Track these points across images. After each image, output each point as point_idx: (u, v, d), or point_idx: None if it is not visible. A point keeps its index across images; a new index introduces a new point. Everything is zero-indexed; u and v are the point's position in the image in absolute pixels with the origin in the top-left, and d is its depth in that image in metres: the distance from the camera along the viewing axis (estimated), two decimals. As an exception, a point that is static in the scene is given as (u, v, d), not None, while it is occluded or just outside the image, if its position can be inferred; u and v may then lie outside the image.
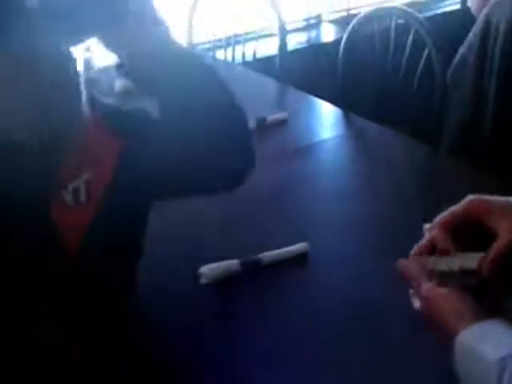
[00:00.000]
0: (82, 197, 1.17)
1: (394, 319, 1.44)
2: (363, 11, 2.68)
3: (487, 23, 2.44)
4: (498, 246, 0.88)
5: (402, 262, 0.95)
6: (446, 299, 0.87)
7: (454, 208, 0.95)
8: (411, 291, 0.94)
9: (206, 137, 1.19)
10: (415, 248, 0.98)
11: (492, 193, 0.92)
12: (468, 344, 0.81)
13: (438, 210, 1.74)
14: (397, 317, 1.43)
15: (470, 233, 0.94)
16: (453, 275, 0.90)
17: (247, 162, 1.31)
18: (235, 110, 1.25)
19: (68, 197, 1.16)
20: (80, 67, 1.13)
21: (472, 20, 2.62)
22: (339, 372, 1.32)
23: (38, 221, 1.14)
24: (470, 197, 0.94)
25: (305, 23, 3.87)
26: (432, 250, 0.95)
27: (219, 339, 1.40)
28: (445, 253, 0.93)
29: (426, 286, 0.90)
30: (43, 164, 1.10)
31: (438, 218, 0.96)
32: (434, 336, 0.89)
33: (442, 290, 0.88)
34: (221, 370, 1.33)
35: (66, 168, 1.15)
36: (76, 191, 1.16)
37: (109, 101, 1.31)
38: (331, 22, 3.94)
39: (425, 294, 0.90)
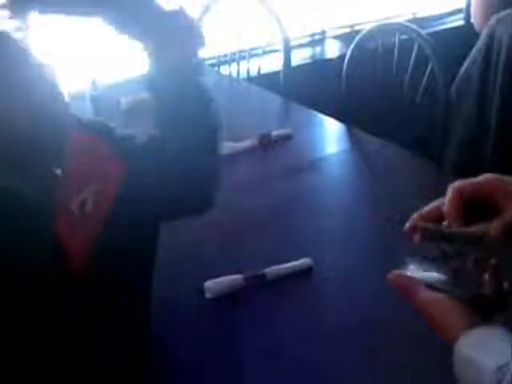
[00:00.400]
0: (89, 206, 1.18)
1: (397, 336, 1.45)
2: (367, 27, 2.69)
3: (490, 38, 2.45)
4: (506, 215, 0.88)
5: (391, 277, 0.94)
6: (439, 306, 0.86)
7: (472, 179, 0.94)
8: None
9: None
10: (425, 208, 0.98)
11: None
12: (465, 353, 0.80)
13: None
14: (400, 333, 1.44)
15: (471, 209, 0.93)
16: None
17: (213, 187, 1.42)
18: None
19: (75, 207, 1.18)
20: (87, 84, 1.15)
21: (475, 36, 2.63)
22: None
23: (41, 235, 1.15)
24: (488, 175, 0.94)
25: (309, 39, 3.89)
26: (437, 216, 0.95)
27: (224, 352, 1.41)
28: (449, 224, 0.92)
29: (420, 295, 0.89)
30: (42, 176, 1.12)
31: (457, 184, 0.95)
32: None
33: (434, 297, 0.88)
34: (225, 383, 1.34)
35: (69, 181, 1.17)
36: (83, 202, 1.18)
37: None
38: (335, 37, 3.97)
39: (418, 304, 0.89)
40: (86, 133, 1.24)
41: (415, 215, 0.97)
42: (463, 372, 0.81)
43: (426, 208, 0.98)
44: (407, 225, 0.97)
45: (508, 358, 0.76)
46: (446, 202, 0.94)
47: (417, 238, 0.95)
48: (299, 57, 3.70)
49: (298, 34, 3.77)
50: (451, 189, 0.94)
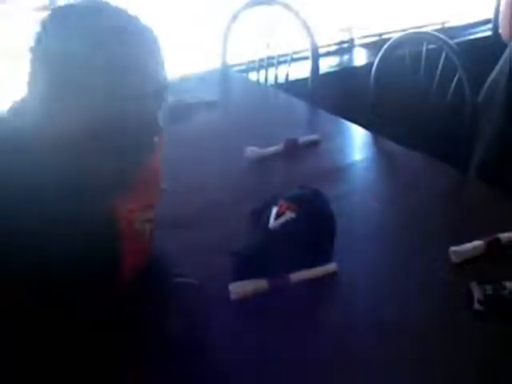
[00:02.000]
0: (149, 228, 1.25)
1: (422, 337, 1.46)
2: (395, 36, 2.70)
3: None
4: None
5: None
6: None
7: None
8: None
9: None
10: None
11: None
12: None
13: (464, 234, 1.77)
14: (425, 334, 1.46)
15: None
16: None
17: None
18: None
19: (138, 225, 1.23)
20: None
21: (503, 47, 2.64)
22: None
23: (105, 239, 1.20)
24: None
25: (337, 47, 3.91)
26: None
27: (246, 354, 1.43)
28: None
29: None
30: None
31: None
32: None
33: None
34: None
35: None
36: (143, 223, 1.24)
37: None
38: (363, 45, 3.98)
39: None
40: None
41: None
42: None
43: None
44: None
45: None
46: None
47: None
48: (326, 64, 3.72)
49: (326, 42, 3.79)
50: None
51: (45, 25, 1.13)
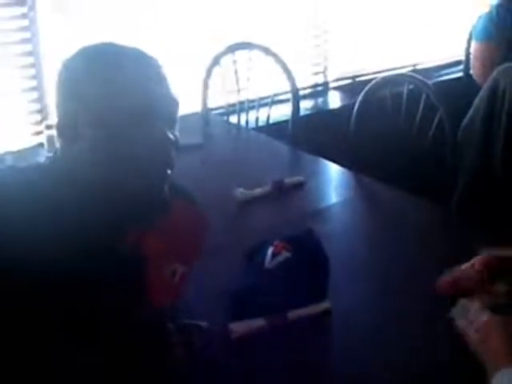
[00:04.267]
0: (177, 278, 1.27)
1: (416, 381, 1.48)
2: (374, 78, 2.77)
3: (493, 89, 2.53)
4: None
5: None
6: (503, 327, 0.92)
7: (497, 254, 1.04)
8: (453, 312, 1.01)
9: None
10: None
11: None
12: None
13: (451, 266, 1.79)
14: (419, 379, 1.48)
15: None
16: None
17: None
18: None
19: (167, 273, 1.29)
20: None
21: (475, 87, 2.72)
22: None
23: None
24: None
25: (312, 90, 3.98)
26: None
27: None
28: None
29: (484, 315, 0.95)
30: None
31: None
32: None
33: (499, 318, 0.93)
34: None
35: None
36: (174, 273, 1.29)
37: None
38: (336, 88, 4.05)
39: (483, 322, 0.95)
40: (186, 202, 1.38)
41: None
42: None
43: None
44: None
45: None
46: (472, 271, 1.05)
47: None
48: (302, 107, 3.78)
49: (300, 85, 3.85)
50: (477, 261, 1.06)
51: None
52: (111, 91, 1.16)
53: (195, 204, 1.40)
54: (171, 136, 1.20)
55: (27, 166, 1.27)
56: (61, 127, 1.20)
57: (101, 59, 1.19)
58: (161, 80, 1.22)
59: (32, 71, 3.00)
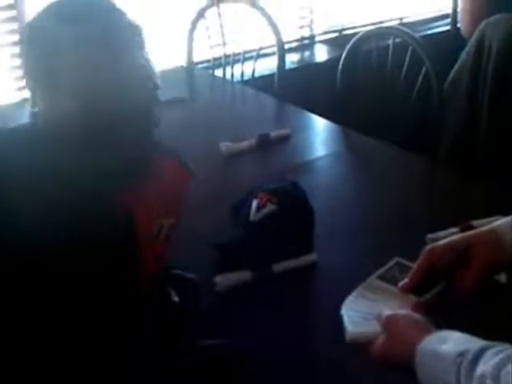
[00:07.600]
0: (162, 235, 1.27)
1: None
2: (361, 31, 2.75)
3: (480, 42, 2.53)
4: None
5: None
6: (407, 319, 1.04)
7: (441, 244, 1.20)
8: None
9: None
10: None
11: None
12: (430, 347, 0.96)
13: (440, 221, 1.81)
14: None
15: None
16: None
17: None
18: None
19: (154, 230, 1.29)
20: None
21: (463, 40, 2.71)
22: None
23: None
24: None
25: (298, 43, 3.95)
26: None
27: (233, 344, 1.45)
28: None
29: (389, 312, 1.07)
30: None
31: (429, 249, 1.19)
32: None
33: (403, 312, 1.06)
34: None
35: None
36: (160, 229, 1.27)
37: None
38: (323, 42, 4.02)
39: (389, 316, 1.06)
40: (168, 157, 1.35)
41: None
42: (427, 364, 0.95)
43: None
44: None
45: (466, 346, 0.92)
46: (415, 266, 1.16)
47: None
48: (288, 60, 3.75)
49: (286, 39, 3.82)
50: (423, 254, 1.16)
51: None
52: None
53: (177, 157, 1.39)
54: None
55: (14, 128, 1.26)
56: (37, 80, 1.18)
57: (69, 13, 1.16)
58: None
59: (14, 25, 2.95)
